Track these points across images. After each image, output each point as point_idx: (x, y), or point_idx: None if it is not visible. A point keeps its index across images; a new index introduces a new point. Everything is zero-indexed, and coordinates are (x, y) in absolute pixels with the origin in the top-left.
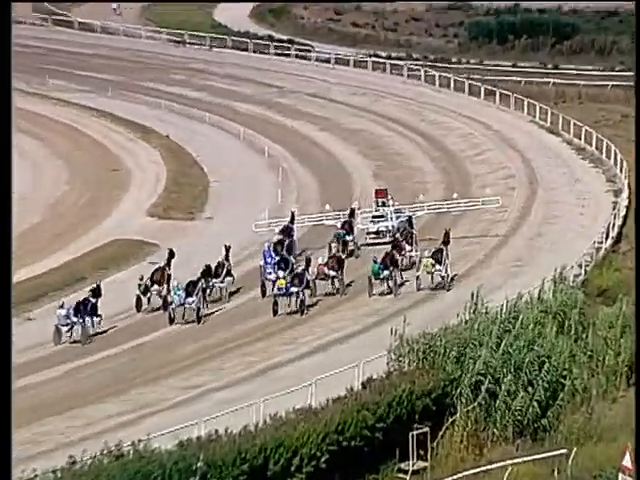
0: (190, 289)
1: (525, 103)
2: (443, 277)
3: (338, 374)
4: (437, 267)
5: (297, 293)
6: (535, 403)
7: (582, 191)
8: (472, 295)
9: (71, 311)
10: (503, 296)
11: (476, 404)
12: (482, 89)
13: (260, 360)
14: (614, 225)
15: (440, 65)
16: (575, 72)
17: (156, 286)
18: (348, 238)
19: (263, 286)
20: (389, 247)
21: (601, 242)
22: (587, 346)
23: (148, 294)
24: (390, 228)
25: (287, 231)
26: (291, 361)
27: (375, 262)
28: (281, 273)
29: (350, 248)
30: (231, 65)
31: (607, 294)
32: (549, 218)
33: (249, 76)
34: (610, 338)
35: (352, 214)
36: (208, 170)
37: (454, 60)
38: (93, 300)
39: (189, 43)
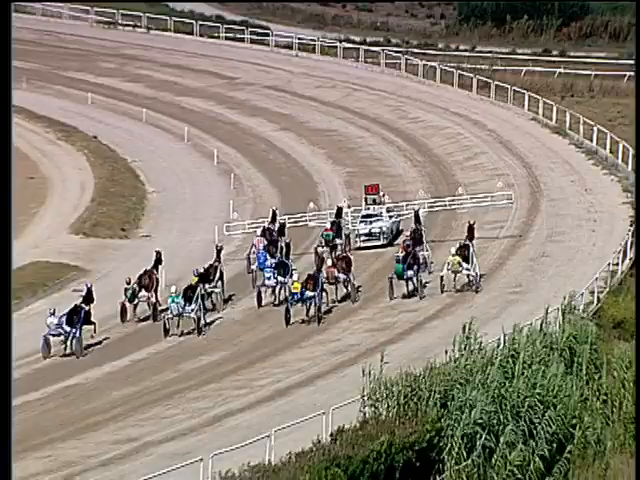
0: (189, 296)
1: (526, 97)
2: (472, 276)
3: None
4: (465, 265)
5: (313, 298)
6: (538, 458)
7: (594, 203)
8: (463, 328)
9: (63, 319)
10: (499, 329)
11: (469, 460)
12: (474, 81)
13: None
14: (632, 244)
15: (424, 52)
16: (586, 60)
17: (144, 292)
18: (338, 241)
19: (259, 294)
20: (381, 250)
21: (617, 264)
22: (600, 389)
23: (135, 301)
24: (385, 230)
25: (270, 232)
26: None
27: (398, 261)
28: (282, 279)
29: (339, 252)
30: (173, 52)
31: (624, 326)
32: (555, 235)
33: (195, 65)
34: (628, 379)
35: (339, 213)
36: (145, 178)
37: (441, 46)
38: (86, 307)
39: (122, 24)
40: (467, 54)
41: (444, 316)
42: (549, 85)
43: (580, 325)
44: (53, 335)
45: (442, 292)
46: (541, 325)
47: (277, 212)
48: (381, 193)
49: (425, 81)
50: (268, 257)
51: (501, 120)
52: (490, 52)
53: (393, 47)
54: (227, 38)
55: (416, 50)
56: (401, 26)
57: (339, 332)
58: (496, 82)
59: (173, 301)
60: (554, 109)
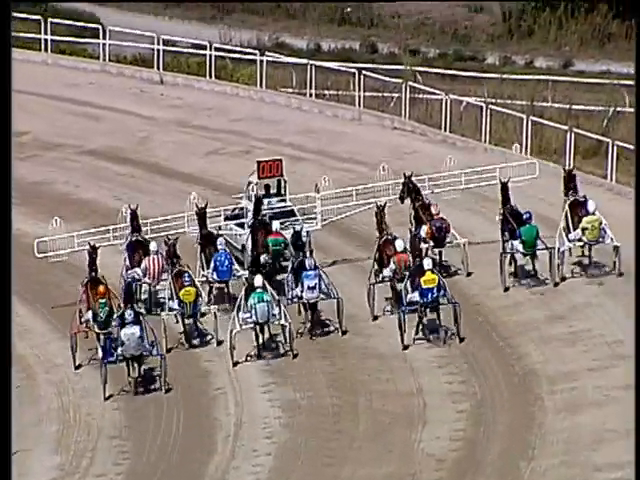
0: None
1: None
2: (616, 249)
3: None
4: (608, 232)
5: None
6: None
7: None
8: None
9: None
10: None
11: None
12: (569, 141)
13: None
14: None
15: (454, 74)
16: None
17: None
18: (287, 251)
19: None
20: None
21: None
22: None
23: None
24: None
25: (143, 245)
26: None
27: (528, 221)
28: (324, 288)
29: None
30: None
31: None
32: None
33: None
34: None
35: (259, 207)
36: None
37: (491, 60)
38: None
39: None
40: (551, 79)
41: None
42: None
43: None
44: (131, 358)
45: (558, 282)
46: None
47: (138, 212)
48: (284, 176)
49: (457, 140)
50: (234, 260)
51: None
52: (607, 73)
53: (382, 64)
54: None
55: (434, 70)
56: (401, 15)
57: None
58: (619, 143)
59: (261, 300)
60: None
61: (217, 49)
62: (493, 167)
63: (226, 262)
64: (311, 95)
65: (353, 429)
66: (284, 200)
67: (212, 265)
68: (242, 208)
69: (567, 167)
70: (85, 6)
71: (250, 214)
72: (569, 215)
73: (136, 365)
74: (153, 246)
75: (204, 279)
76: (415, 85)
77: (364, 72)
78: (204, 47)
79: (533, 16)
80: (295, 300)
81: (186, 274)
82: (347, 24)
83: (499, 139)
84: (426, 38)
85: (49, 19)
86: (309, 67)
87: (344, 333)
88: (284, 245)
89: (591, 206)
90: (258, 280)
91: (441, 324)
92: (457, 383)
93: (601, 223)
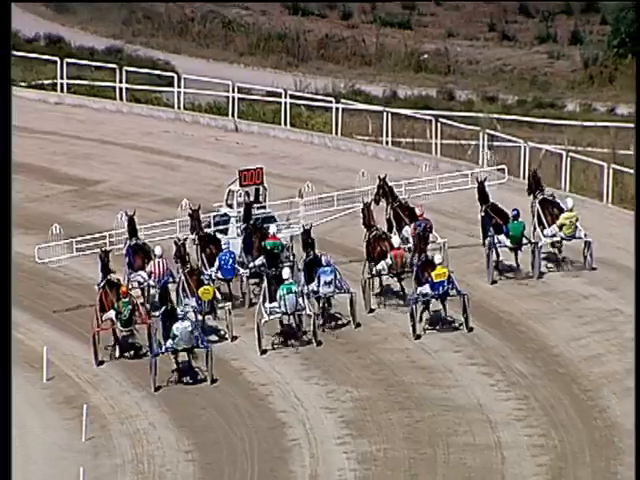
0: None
1: None
2: (589, 244)
3: None
4: (579, 228)
5: (461, 293)
6: None
7: None
8: None
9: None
10: None
11: None
12: None
13: None
14: None
15: (546, 122)
16: None
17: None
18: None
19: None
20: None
21: None
22: None
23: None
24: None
25: (143, 249)
26: None
27: (516, 217)
28: (339, 284)
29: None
30: None
31: None
32: None
33: None
34: None
35: (249, 213)
36: None
37: (571, 107)
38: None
39: None
40: (633, 126)
41: None
42: None
43: None
44: (183, 350)
45: (540, 276)
46: None
47: (135, 218)
48: (265, 184)
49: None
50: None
51: None
52: None
53: (459, 111)
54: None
55: (512, 117)
56: (479, 62)
57: None
58: None
59: (290, 291)
60: None
61: (292, 96)
62: (464, 173)
63: (230, 261)
64: (387, 143)
65: None
66: (264, 207)
67: (217, 264)
68: (222, 215)
69: (533, 170)
70: (160, 54)
71: (233, 220)
72: (541, 213)
73: (187, 357)
74: (158, 250)
75: (207, 278)
76: (493, 133)
77: (441, 119)
78: (279, 95)
79: (614, 63)
80: (311, 295)
81: (204, 274)
82: (423, 71)
83: (579, 188)
84: (504, 85)
85: (124, 67)
86: (385, 114)
87: (358, 325)
88: (281, 248)
89: (569, 203)
90: (286, 272)
91: (447, 315)
92: (537, 436)
93: (577, 219)
